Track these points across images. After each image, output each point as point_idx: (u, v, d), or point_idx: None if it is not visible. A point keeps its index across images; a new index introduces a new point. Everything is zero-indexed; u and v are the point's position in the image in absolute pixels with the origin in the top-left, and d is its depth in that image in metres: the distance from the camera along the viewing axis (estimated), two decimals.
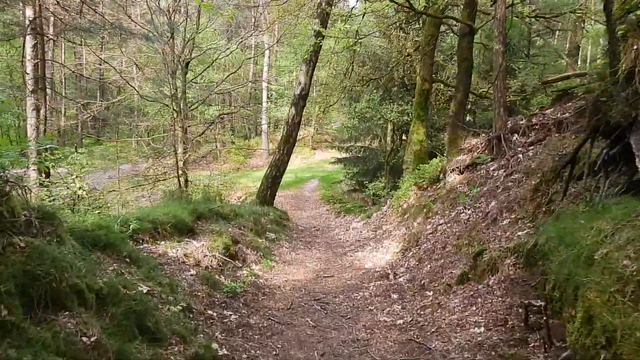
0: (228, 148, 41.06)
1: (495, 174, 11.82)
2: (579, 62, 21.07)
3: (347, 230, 17.16)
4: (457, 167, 13.48)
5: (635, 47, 4.89)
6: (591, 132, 5.90)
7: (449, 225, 11.44)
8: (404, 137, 25.32)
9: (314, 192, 29.73)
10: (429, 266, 10.21)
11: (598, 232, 4.97)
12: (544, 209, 8.55)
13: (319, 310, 8.59)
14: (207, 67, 24.86)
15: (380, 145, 26.45)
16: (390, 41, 22.79)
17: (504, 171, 11.59)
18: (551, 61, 20.89)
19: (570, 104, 11.98)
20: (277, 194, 28.82)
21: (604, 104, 5.56)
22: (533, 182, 9.92)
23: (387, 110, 22.87)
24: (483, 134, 13.75)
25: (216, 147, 38.85)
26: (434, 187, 14.84)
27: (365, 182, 25.58)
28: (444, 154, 15.27)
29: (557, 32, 21.72)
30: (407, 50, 20.89)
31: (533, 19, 18.57)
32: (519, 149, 11.76)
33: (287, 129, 17.12)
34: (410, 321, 7.83)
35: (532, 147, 11.58)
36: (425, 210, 13.34)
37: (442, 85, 21.26)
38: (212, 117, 28.44)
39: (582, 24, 18.84)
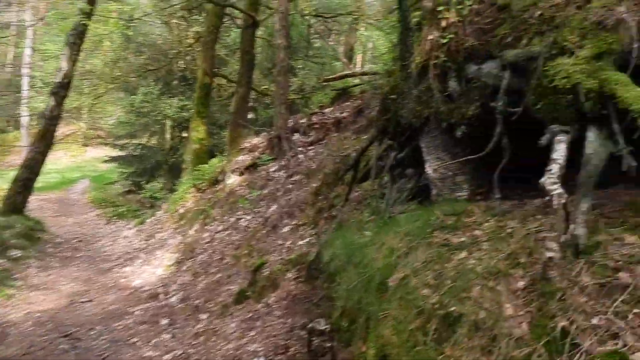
0: None
1: (276, 176, 11.02)
2: (356, 64, 21.62)
3: (116, 239, 15.02)
4: (238, 168, 12.43)
5: (430, 37, 4.23)
6: (379, 133, 5.22)
7: (227, 232, 10.29)
8: (184, 134, 23.65)
9: (83, 195, 26.37)
10: (205, 282, 8.92)
11: (390, 252, 4.18)
12: (325, 215, 7.86)
13: (66, 351, 6.71)
14: None
15: (159, 142, 24.39)
16: (171, 30, 20.97)
17: (285, 172, 10.84)
18: (329, 62, 21.12)
19: (348, 103, 11.71)
20: (35, 198, 24.95)
21: (394, 103, 4.88)
22: (314, 185, 9.29)
23: (166, 105, 20.98)
24: (265, 133, 12.91)
25: None
26: (214, 189, 13.62)
27: (142, 183, 23.31)
28: (225, 154, 14.15)
29: (334, 34, 22.10)
30: (188, 40, 19.30)
31: (313, 19, 18.44)
32: (300, 148, 11.13)
33: (44, 123, 14.33)
34: (180, 355, 6.44)
35: (313, 147, 11.04)
36: (203, 215, 12.03)
37: (224, 80, 20.10)
38: None
39: (356, 27, 19.39)
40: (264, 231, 9.25)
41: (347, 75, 13.68)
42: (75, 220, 20.68)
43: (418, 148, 4.89)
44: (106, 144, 27.52)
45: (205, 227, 11.31)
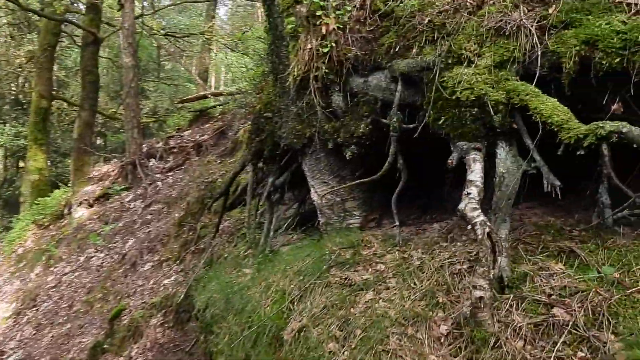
0: None
1: (132, 206, 9.84)
2: (211, 85, 20.65)
3: None
4: (86, 200, 10.98)
5: (309, 46, 3.67)
6: (253, 155, 4.53)
7: (77, 274, 8.91)
8: (21, 164, 21.00)
9: None
10: (51, 335, 7.55)
11: (280, 295, 3.51)
12: (193, 248, 6.98)
13: None
14: None
15: None
16: None
17: (142, 202, 9.71)
18: (182, 84, 19.94)
19: (208, 125, 10.88)
20: None
21: (269, 122, 4.24)
22: (177, 215, 8.33)
23: None
24: (116, 160, 11.60)
25: None
26: (58, 225, 11.96)
27: None
28: (70, 185, 12.52)
29: (186, 56, 20.97)
30: (18, 60, 17.08)
31: (163, 39, 17.25)
32: (158, 175, 10.07)
33: None
34: None
35: (172, 173, 10.04)
36: (46, 255, 10.41)
37: (65, 104, 18.09)
38: None
39: (209, 47, 18.51)
40: (120, 270, 8.10)
41: (205, 96, 12.79)
42: None
43: (300, 171, 4.30)
44: None
45: (50, 269, 9.77)
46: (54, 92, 15.33)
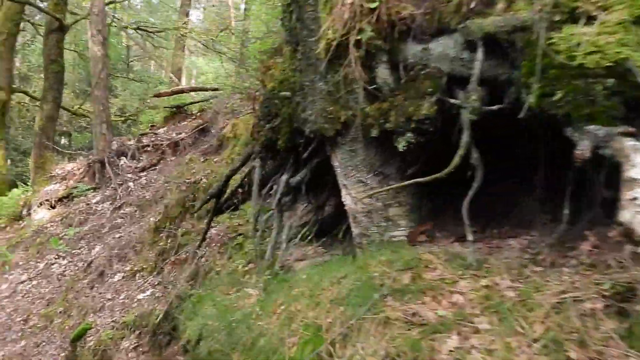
0: None
1: (99, 208, 8.65)
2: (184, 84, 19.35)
3: None
4: (48, 200, 9.71)
5: (350, 1, 2.72)
6: (262, 148, 3.53)
7: (35, 283, 7.68)
8: None
9: None
10: (1, 354, 6.33)
11: (315, 332, 2.52)
12: (173, 259, 5.90)
13: None
14: None
15: None
16: None
17: (111, 204, 8.54)
18: (154, 83, 18.61)
19: (185, 122, 9.77)
20: None
21: (286, 104, 3.25)
22: (152, 220, 7.23)
23: None
24: (82, 157, 10.36)
25: None
26: (16, 227, 10.63)
27: None
28: (29, 184, 11.18)
29: (157, 56, 19.69)
30: None
31: (135, 33, 15.98)
32: (129, 175, 8.91)
33: None
34: None
35: (145, 172, 8.90)
36: (0, 260, 9.11)
37: (27, 98, 16.59)
38: None
39: (183, 44, 17.31)
40: (85, 281, 6.94)
41: (182, 91, 11.61)
42: None
43: (321, 168, 3.31)
44: None
45: (4, 275, 8.48)
46: (14, 86, 13.94)
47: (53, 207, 9.68)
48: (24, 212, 10.29)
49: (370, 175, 3.00)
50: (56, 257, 7.91)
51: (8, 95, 13.17)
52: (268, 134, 3.44)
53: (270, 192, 3.73)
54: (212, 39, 15.30)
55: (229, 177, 4.21)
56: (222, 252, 4.70)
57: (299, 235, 3.61)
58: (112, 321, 5.60)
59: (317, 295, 2.76)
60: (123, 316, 5.61)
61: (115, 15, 13.47)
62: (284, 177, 3.47)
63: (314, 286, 2.88)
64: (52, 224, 9.36)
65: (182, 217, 6.15)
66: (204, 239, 5.06)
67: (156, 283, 5.84)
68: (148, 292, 5.76)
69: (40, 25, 14.68)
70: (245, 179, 4.31)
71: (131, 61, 21.27)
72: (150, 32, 16.04)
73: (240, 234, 4.65)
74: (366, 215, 3.04)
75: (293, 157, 3.44)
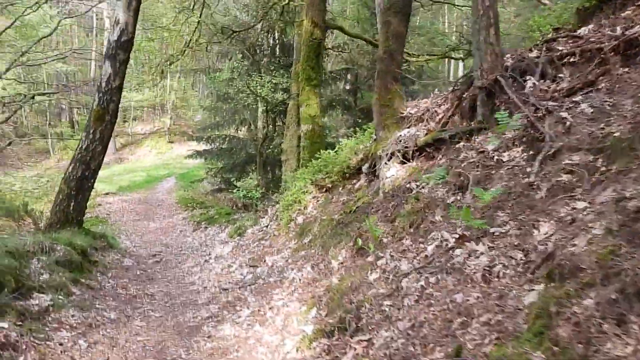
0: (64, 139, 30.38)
1: (504, 158, 5.05)
2: None
3: (207, 261, 9.54)
4: (401, 150, 6.56)
5: None
6: None
7: (433, 281, 4.40)
8: (278, 123, 18.12)
9: (169, 194, 21.49)
10: None
11: None
12: None
13: None
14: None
15: (250, 132, 19.00)
16: None
17: (526, 148, 4.87)
18: None
19: (629, 10, 5.52)
20: (119, 199, 20.21)
21: None
22: None
23: (256, 83, 15.44)
24: (438, 90, 6.95)
25: (50, 138, 28.69)
26: (350, 187, 7.86)
27: (232, 180, 18.03)
28: (368, 130, 8.31)
29: None
30: None
31: None
32: (543, 102, 5.09)
33: (99, 98, 9.05)
34: None
35: (575, 97, 4.96)
36: (353, 232, 6.27)
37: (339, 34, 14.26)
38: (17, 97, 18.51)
39: None
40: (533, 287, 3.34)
41: None
42: (159, 226, 15.61)
43: None
44: (193, 139, 22.34)
45: (365, 258, 5.52)
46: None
47: (408, 160, 6.50)
48: (365, 168, 7.37)
49: None
50: (457, 236, 4.56)
51: (323, 33, 10.61)
52: None
53: None
54: None
55: None
56: None
57: None
58: None
59: None
60: None
61: None
62: None
63: None
64: (408, 181, 6.19)
65: None
66: None
67: None
68: None
69: None
70: None
71: None
72: None
73: None
74: None
75: None
